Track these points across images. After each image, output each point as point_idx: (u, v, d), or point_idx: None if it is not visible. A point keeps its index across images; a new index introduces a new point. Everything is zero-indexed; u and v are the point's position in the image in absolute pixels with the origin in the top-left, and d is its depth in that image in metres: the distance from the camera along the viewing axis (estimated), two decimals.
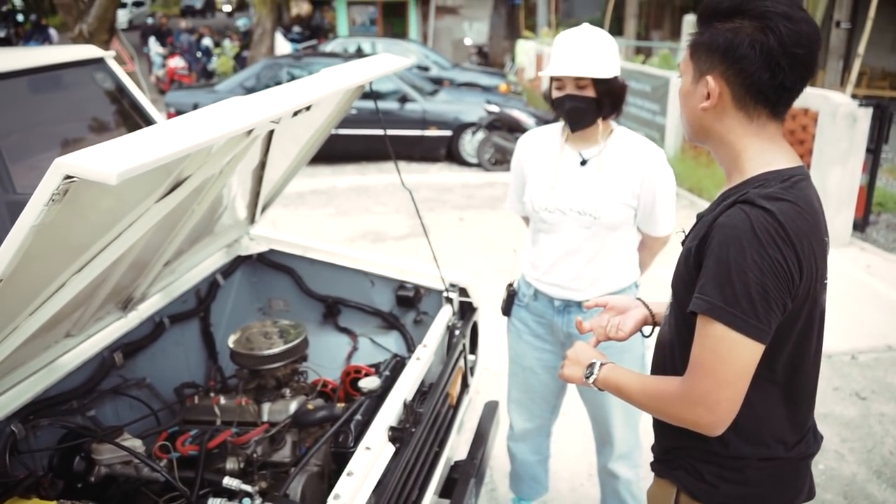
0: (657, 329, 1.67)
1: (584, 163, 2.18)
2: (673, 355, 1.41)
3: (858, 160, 5.93)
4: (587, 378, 1.47)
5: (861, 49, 6.80)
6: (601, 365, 1.46)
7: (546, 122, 8.16)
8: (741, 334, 1.18)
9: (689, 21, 9.61)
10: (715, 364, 1.21)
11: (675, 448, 1.44)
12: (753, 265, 1.16)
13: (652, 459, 1.56)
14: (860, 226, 6.38)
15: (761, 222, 1.17)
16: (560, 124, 2.26)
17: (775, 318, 1.21)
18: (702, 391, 1.23)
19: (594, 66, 2.04)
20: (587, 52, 2.04)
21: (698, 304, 1.22)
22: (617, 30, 17.20)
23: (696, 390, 1.24)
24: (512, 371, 2.53)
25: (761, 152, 1.29)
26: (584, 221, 2.17)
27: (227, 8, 36.99)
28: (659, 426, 1.50)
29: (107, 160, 1.08)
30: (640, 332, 1.69)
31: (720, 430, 1.26)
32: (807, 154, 6.10)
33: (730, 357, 1.20)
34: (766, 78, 1.23)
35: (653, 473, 1.55)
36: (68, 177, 1.09)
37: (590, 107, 2.08)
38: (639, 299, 1.69)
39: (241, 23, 20.68)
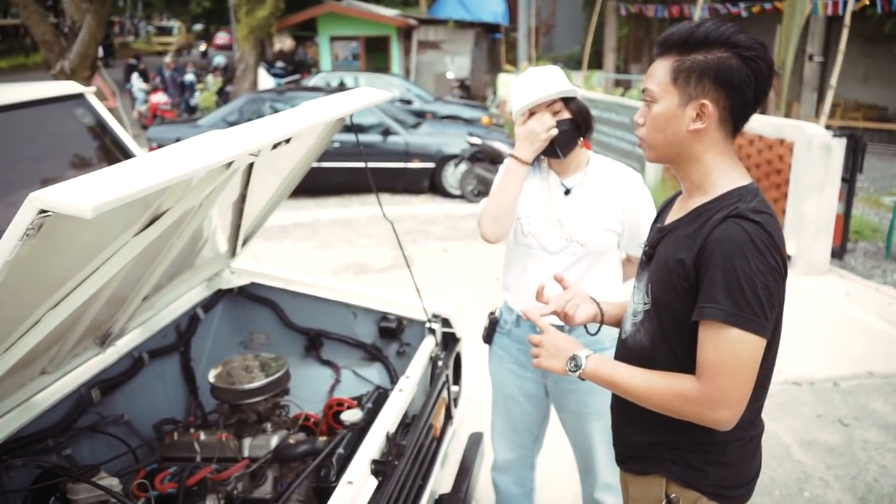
0: (604, 328, 1.73)
1: (567, 192, 2.21)
2: (654, 360, 1.46)
3: (834, 189, 6.03)
4: (572, 370, 1.48)
5: (834, 81, 6.94)
6: (587, 356, 1.47)
7: None
8: (755, 335, 1.29)
9: None
10: (735, 365, 1.30)
11: (658, 443, 1.50)
12: (758, 272, 1.28)
13: (624, 462, 1.60)
14: (838, 254, 6.46)
15: (757, 233, 1.30)
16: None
17: (774, 316, 1.32)
18: (725, 392, 1.31)
19: (558, 86, 2.13)
20: (544, 80, 2.14)
21: (713, 313, 1.30)
22: (596, 63, 17.50)
23: (719, 391, 1.31)
24: (494, 400, 2.52)
25: (729, 170, 1.42)
26: (571, 249, 2.21)
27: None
28: (636, 424, 1.53)
29: (82, 194, 1.07)
30: (586, 328, 1.75)
31: (734, 423, 1.34)
32: (784, 183, 6.19)
33: (747, 357, 1.30)
34: (752, 101, 1.37)
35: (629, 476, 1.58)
36: (43, 211, 1.08)
37: (571, 127, 2.16)
38: (592, 298, 1.74)
39: (217, 60, 20.75)
